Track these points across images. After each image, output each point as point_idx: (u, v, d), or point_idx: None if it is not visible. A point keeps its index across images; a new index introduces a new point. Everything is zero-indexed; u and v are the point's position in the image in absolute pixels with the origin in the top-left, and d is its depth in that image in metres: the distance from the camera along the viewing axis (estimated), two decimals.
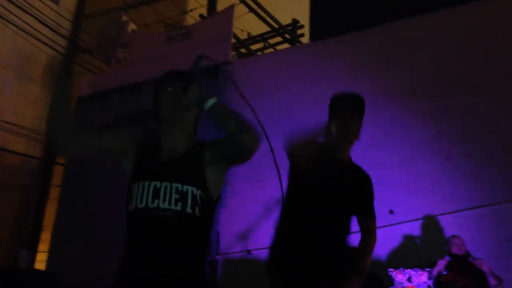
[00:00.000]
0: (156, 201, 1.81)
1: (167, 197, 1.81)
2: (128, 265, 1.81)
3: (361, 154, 5.81)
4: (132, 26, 8.81)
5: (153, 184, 1.83)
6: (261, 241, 6.00)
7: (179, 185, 1.82)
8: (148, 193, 1.82)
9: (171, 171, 1.86)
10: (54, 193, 9.12)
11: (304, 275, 2.48)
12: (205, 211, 1.85)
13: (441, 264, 4.50)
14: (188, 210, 1.81)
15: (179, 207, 1.80)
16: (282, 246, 2.61)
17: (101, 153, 2.01)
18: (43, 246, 8.83)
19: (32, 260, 8.26)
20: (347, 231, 2.62)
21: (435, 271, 4.35)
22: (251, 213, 6.23)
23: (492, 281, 4.33)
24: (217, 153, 1.94)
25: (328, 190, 2.59)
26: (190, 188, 1.83)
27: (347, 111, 2.70)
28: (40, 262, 8.58)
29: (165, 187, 1.82)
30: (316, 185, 2.58)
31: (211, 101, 2.00)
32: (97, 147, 1.97)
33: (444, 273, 4.46)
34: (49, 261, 8.02)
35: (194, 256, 1.84)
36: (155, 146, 1.97)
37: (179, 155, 1.94)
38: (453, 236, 4.70)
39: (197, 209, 1.82)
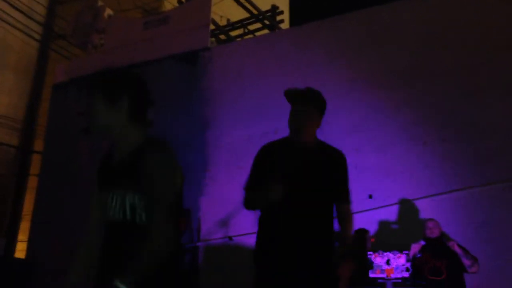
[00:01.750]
0: (109, 212, 1.89)
1: (114, 208, 1.87)
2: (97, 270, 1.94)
3: (339, 139, 5.88)
4: (108, 12, 8.65)
5: (108, 195, 1.91)
6: (242, 227, 6.03)
7: (122, 194, 1.87)
8: (105, 204, 1.91)
9: (115, 180, 1.89)
10: (32, 182, 9.00)
11: (293, 264, 2.52)
12: (151, 216, 1.83)
13: (414, 248, 4.61)
14: (129, 219, 1.85)
15: (122, 216, 1.86)
16: (268, 239, 2.63)
17: None
18: (23, 236, 8.73)
19: (11, 248, 8.19)
20: (330, 215, 2.66)
21: (410, 254, 4.44)
22: (231, 199, 6.23)
23: (466, 262, 4.43)
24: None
25: (302, 178, 2.62)
26: (128, 196, 1.85)
27: (293, 105, 2.78)
28: (20, 252, 8.49)
29: (112, 198, 1.89)
30: (290, 176, 2.59)
31: (123, 106, 1.98)
32: None
33: (418, 255, 4.57)
34: (28, 250, 7.93)
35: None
36: (109, 157, 2.01)
37: (123, 161, 1.92)
38: (428, 219, 4.80)
39: (137, 217, 1.84)
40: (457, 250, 4.49)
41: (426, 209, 5.21)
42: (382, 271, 3.90)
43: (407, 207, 5.31)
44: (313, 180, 2.63)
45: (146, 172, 1.82)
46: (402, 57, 5.87)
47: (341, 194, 2.72)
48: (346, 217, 2.67)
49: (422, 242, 4.68)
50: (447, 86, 5.51)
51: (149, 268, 1.76)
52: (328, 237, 2.62)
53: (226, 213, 6.18)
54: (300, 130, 2.72)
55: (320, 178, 2.65)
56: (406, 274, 3.88)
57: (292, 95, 2.80)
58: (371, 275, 3.96)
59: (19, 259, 7.27)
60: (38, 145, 9.19)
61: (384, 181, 5.49)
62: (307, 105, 2.77)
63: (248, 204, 2.74)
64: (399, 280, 3.87)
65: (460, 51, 5.59)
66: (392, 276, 3.84)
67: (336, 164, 2.75)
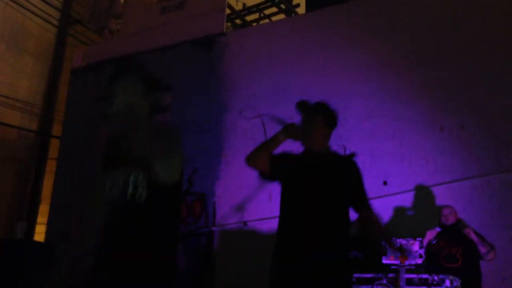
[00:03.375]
0: (111, 192, 2.02)
1: (116, 187, 1.99)
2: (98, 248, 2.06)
3: (355, 125, 5.87)
4: None
5: (113, 174, 2.03)
6: (257, 213, 6.07)
7: (125, 174, 1.98)
8: (109, 183, 2.03)
9: (123, 161, 2.01)
10: (51, 166, 9.15)
11: (308, 272, 2.57)
12: (153, 195, 1.97)
13: (430, 234, 4.60)
14: (129, 196, 1.96)
15: (123, 194, 1.97)
16: (287, 247, 2.70)
17: None
18: (42, 219, 8.91)
19: (31, 231, 8.37)
20: (346, 221, 2.71)
21: (425, 241, 4.43)
22: (246, 185, 6.27)
23: (482, 249, 4.41)
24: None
25: (317, 185, 2.69)
26: (131, 175, 1.97)
27: (304, 116, 2.90)
28: (39, 234, 8.67)
29: (120, 176, 2.00)
30: (304, 183, 2.71)
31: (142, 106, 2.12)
32: None
33: (433, 242, 4.55)
34: (48, 233, 8.10)
35: (145, 238, 1.96)
36: (115, 141, 2.16)
37: (129, 144, 2.06)
38: (443, 206, 4.77)
39: (137, 195, 1.96)
40: (473, 237, 4.46)
41: (442, 195, 5.17)
42: (396, 257, 3.90)
43: (422, 193, 5.28)
44: (326, 188, 2.69)
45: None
46: (420, 42, 5.79)
47: (359, 201, 2.75)
48: (368, 222, 2.68)
49: (438, 229, 4.66)
50: (465, 72, 5.42)
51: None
52: (343, 246, 2.67)
53: (242, 198, 6.22)
54: (306, 137, 2.84)
55: (332, 186, 2.71)
56: (419, 261, 3.87)
57: (300, 105, 2.92)
58: (384, 261, 3.97)
59: (39, 242, 7.42)
60: (56, 130, 9.32)
61: (399, 168, 5.46)
62: (312, 114, 2.87)
63: (252, 153, 2.85)
64: (412, 267, 3.87)
65: (478, 36, 5.49)
66: (406, 262, 3.84)
67: (348, 172, 2.79)
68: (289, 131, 2.81)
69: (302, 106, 2.91)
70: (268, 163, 2.79)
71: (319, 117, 2.85)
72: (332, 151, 2.91)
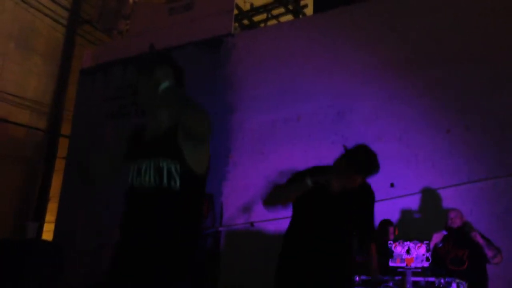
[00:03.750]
0: (139, 179, 1.97)
1: (147, 174, 1.95)
2: (120, 238, 1.99)
3: (362, 127, 5.88)
4: None
5: (138, 163, 2.00)
6: (264, 214, 6.08)
7: (156, 161, 1.95)
8: (133, 172, 2.00)
9: (151, 149, 1.99)
10: (59, 164, 9.21)
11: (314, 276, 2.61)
12: (186, 185, 1.94)
13: (436, 237, 4.60)
14: (165, 184, 1.92)
15: (156, 182, 1.93)
16: (292, 259, 2.72)
17: None
18: (50, 217, 8.97)
19: (39, 230, 8.43)
20: (350, 247, 2.74)
21: (431, 244, 4.44)
22: (253, 185, 6.29)
23: (488, 253, 4.40)
24: (181, 131, 2.00)
25: (332, 210, 2.69)
26: (165, 162, 1.94)
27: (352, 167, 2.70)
28: (47, 232, 8.74)
29: (146, 165, 1.97)
30: (321, 205, 2.68)
31: (164, 85, 2.02)
32: None
33: (440, 245, 4.55)
34: (56, 231, 8.16)
35: (175, 228, 1.93)
36: (142, 130, 2.13)
37: (161, 133, 2.04)
38: (450, 209, 4.77)
39: (172, 182, 1.92)
40: (480, 240, 4.45)
41: (449, 198, 5.16)
42: (402, 260, 3.90)
43: (429, 196, 5.28)
44: (339, 214, 2.69)
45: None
46: (424, 43, 5.78)
47: (364, 232, 2.79)
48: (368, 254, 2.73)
49: (444, 232, 4.65)
50: (472, 73, 5.41)
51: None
52: (347, 269, 2.71)
53: (249, 199, 6.24)
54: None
55: (345, 212, 2.70)
56: (426, 264, 3.87)
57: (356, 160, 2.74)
58: (391, 264, 3.97)
59: (47, 241, 7.48)
60: (65, 128, 9.38)
61: (406, 170, 5.46)
62: (347, 163, 2.73)
63: (272, 195, 2.74)
64: (419, 270, 3.87)
65: (483, 37, 5.48)
66: (412, 265, 3.84)
67: (363, 201, 2.77)
68: (318, 179, 2.60)
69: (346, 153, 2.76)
70: (285, 205, 2.72)
71: (351, 168, 2.68)
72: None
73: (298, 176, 2.71)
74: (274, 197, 2.70)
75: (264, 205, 2.74)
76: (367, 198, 2.77)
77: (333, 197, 2.69)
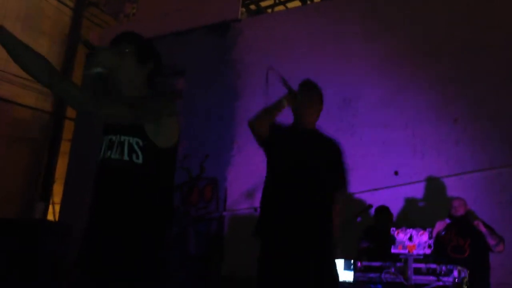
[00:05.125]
0: (108, 152, 2.03)
1: (117, 149, 2.01)
2: (90, 211, 2.07)
3: (369, 114, 5.87)
4: None
5: (108, 137, 2.05)
6: None
7: (121, 136, 2.01)
8: (105, 146, 2.06)
9: (118, 124, 2.04)
10: (64, 147, 9.26)
11: (298, 241, 2.70)
12: (148, 159, 1.99)
13: (439, 225, 4.62)
14: (126, 158, 1.98)
15: (119, 156, 1.99)
16: (275, 215, 2.83)
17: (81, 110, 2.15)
18: (56, 199, 9.05)
19: (46, 211, 8.51)
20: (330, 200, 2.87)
21: (434, 232, 4.45)
22: (257, 171, 6.29)
23: (491, 241, 4.42)
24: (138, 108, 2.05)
25: (307, 162, 2.86)
26: (127, 138, 2.00)
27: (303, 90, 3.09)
28: (52, 213, 8.82)
29: (115, 140, 2.02)
30: (296, 159, 2.86)
31: (94, 70, 2.03)
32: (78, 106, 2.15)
33: (443, 233, 4.58)
34: (62, 212, 8.23)
35: (139, 201, 1.98)
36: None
37: None
38: (454, 198, 4.78)
39: (134, 156, 1.98)
40: (482, 229, 4.46)
41: (453, 187, 5.17)
42: (404, 247, 3.92)
43: (433, 184, 5.29)
44: (315, 165, 2.85)
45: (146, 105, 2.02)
46: (433, 33, 5.75)
47: (339, 180, 2.95)
48: (342, 209, 2.89)
49: (448, 221, 4.67)
50: (478, 63, 5.39)
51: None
52: (328, 219, 2.82)
53: (252, 184, 6.26)
54: (303, 110, 3.01)
55: (320, 163, 2.88)
56: (428, 251, 3.89)
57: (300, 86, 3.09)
58: (393, 250, 3.99)
59: (55, 222, 7.55)
60: (70, 111, 9.41)
61: (411, 158, 5.47)
62: (311, 90, 3.09)
63: (255, 116, 2.95)
64: (421, 257, 3.89)
65: (492, 28, 5.44)
66: (414, 252, 3.86)
67: (335, 151, 3.00)
68: (292, 98, 2.95)
69: (304, 83, 3.12)
70: (268, 129, 2.89)
71: (316, 94, 3.08)
72: (319, 131, 3.05)
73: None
74: (258, 117, 2.94)
75: (249, 125, 2.94)
76: (337, 147, 3.01)
77: (309, 149, 2.89)
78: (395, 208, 5.18)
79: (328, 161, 2.91)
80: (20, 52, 1.93)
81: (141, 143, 1.98)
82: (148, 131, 2.00)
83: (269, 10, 8.75)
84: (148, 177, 2.00)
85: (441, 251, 4.42)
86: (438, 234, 4.56)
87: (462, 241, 4.47)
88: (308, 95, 3.03)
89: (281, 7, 8.89)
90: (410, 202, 5.35)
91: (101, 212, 2.00)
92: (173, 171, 2.13)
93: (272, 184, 2.92)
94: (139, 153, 1.98)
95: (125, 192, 1.97)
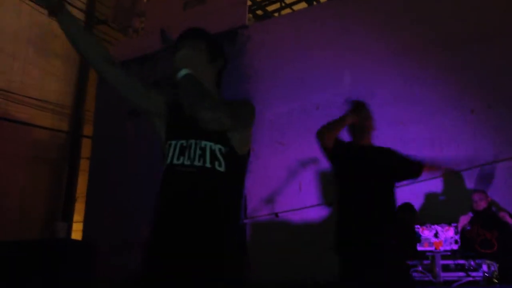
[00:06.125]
0: (182, 158, 1.87)
1: (192, 154, 1.87)
2: (156, 219, 1.89)
3: (383, 112, 5.80)
4: None
5: (180, 142, 1.90)
6: (288, 204, 6.08)
7: (200, 142, 1.87)
8: (175, 151, 1.90)
9: (192, 128, 1.87)
10: (83, 165, 9.35)
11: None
12: (230, 166, 1.88)
13: (463, 220, 4.53)
14: (208, 165, 1.84)
15: (200, 163, 1.85)
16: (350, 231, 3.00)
17: (133, 100, 2.03)
18: (77, 217, 9.13)
19: (68, 230, 8.59)
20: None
21: (459, 226, 4.37)
22: (275, 176, 6.29)
23: None
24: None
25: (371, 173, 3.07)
26: (208, 144, 1.87)
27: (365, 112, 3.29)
28: (75, 232, 8.89)
29: (190, 145, 1.88)
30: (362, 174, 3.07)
31: (182, 72, 1.86)
32: (133, 91, 2.02)
33: (468, 228, 4.49)
34: (84, 230, 8.30)
35: (218, 210, 1.85)
36: (181, 105, 1.95)
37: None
38: (474, 191, 4.69)
39: (216, 163, 1.85)
40: (509, 220, 4.38)
41: (473, 179, 5.08)
42: (430, 244, 3.85)
43: (454, 178, 5.20)
44: (377, 179, 3.08)
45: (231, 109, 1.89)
46: (446, 24, 5.67)
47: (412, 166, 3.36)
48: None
49: (471, 214, 4.59)
50: (493, 52, 5.30)
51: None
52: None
53: (271, 190, 6.24)
54: (362, 130, 3.22)
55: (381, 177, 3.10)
56: (455, 247, 3.82)
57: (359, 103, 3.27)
58: (419, 248, 3.93)
59: (78, 240, 7.60)
60: (87, 129, 9.51)
61: (430, 152, 5.38)
62: (368, 114, 3.26)
63: (323, 128, 3.14)
64: (448, 253, 3.82)
65: (506, 16, 5.35)
66: (441, 248, 3.79)
67: (391, 153, 3.26)
68: (358, 115, 3.13)
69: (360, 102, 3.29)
70: (333, 142, 3.08)
71: (370, 117, 3.28)
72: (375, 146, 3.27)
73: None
74: (325, 130, 3.12)
75: (316, 137, 3.14)
76: (391, 150, 3.25)
77: (371, 164, 3.09)
78: (416, 204, 5.11)
79: (394, 168, 3.15)
80: (78, 35, 1.90)
81: (223, 150, 1.87)
82: (232, 138, 1.90)
83: (276, 14, 8.76)
84: (229, 185, 1.88)
85: (469, 246, 4.33)
86: (463, 229, 4.48)
87: (489, 235, 4.39)
88: (367, 112, 3.23)
89: (287, 10, 8.89)
90: (431, 198, 5.27)
91: (175, 223, 1.82)
92: (245, 177, 2.00)
93: (345, 200, 3.10)
94: (222, 160, 1.86)
95: (205, 201, 1.82)
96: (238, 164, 1.94)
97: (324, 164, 6.05)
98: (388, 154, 3.22)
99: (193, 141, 1.87)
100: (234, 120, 1.85)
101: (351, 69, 6.13)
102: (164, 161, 1.92)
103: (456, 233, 3.87)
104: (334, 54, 6.34)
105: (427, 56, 5.67)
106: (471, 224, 4.50)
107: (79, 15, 9.66)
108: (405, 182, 3.55)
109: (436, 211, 5.12)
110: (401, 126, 5.54)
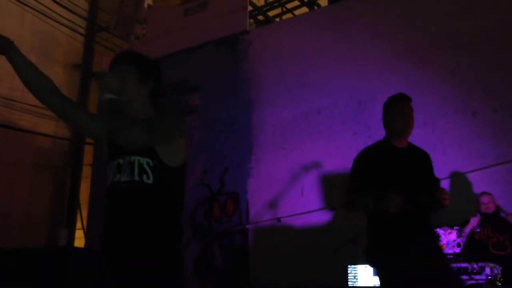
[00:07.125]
0: (118, 175, 2.03)
1: (126, 170, 2.01)
2: (103, 233, 2.08)
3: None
4: (148, 1, 8.78)
5: (117, 161, 2.05)
6: (290, 208, 6.07)
7: (130, 157, 2.01)
8: (112, 170, 2.05)
9: (128, 147, 2.03)
10: (86, 172, 9.36)
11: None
12: (159, 179, 1.99)
13: (474, 221, 4.49)
14: (136, 177, 1.98)
15: (130, 177, 1.99)
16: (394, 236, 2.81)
17: (77, 129, 2.35)
18: (80, 224, 9.13)
19: (71, 237, 8.58)
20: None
21: (468, 229, 4.35)
22: (278, 181, 6.29)
23: None
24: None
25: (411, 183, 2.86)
26: (137, 158, 1.99)
27: (397, 105, 3.06)
28: (78, 239, 8.89)
29: (124, 162, 2.02)
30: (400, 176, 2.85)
31: (104, 97, 2.03)
32: (75, 122, 2.16)
33: (477, 230, 4.46)
34: (87, 238, 8.29)
35: (147, 221, 1.98)
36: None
37: None
38: (482, 194, 4.66)
39: (144, 176, 1.98)
40: None
41: (477, 182, 5.06)
42: None
43: (458, 180, 5.18)
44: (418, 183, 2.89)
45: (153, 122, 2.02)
46: (447, 25, 5.67)
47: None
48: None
49: (479, 216, 4.56)
50: (495, 54, 5.29)
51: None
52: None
53: (274, 195, 6.23)
54: (405, 131, 2.98)
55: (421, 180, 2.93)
56: (457, 250, 3.80)
57: (397, 96, 3.06)
58: None
59: (80, 248, 7.60)
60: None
61: (433, 155, 5.33)
62: (410, 106, 3.01)
63: (351, 206, 2.92)
64: (451, 256, 3.80)
65: (508, 18, 5.35)
66: (444, 252, 3.78)
67: (428, 160, 3.09)
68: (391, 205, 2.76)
69: (399, 95, 3.11)
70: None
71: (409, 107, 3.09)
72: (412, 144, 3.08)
73: (357, 183, 2.86)
74: (348, 207, 2.91)
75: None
76: (427, 157, 3.08)
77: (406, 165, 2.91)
78: None
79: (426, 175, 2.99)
80: (26, 69, 2.01)
81: (151, 163, 1.99)
82: (159, 151, 2.00)
83: (277, 19, 8.77)
84: (158, 197, 2.00)
85: (480, 248, 4.31)
86: (472, 231, 4.44)
87: (501, 237, 4.37)
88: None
89: (288, 15, 8.90)
90: None
91: (115, 235, 2.01)
92: (183, 189, 2.12)
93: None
94: (150, 173, 1.98)
95: (136, 213, 1.97)
96: (170, 176, 2.03)
97: (326, 168, 6.07)
98: (427, 157, 3.12)
99: (127, 158, 2.01)
100: (151, 135, 1.98)
101: (353, 73, 6.13)
102: (106, 181, 2.07)
103: (458, 236, 3.85)
104: (335, 58, 6.34)
105: (429, 60, 5.67)
106: (481, 226, 4.47)
107: (81, 22, 9.71)
108: None
109: (440, 214, 5.09)
110: None
